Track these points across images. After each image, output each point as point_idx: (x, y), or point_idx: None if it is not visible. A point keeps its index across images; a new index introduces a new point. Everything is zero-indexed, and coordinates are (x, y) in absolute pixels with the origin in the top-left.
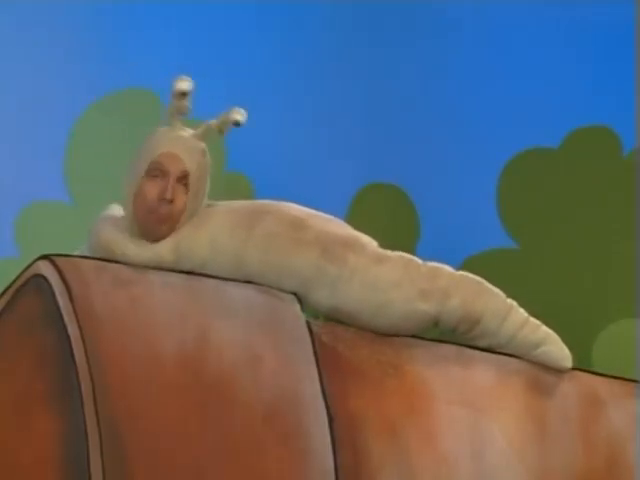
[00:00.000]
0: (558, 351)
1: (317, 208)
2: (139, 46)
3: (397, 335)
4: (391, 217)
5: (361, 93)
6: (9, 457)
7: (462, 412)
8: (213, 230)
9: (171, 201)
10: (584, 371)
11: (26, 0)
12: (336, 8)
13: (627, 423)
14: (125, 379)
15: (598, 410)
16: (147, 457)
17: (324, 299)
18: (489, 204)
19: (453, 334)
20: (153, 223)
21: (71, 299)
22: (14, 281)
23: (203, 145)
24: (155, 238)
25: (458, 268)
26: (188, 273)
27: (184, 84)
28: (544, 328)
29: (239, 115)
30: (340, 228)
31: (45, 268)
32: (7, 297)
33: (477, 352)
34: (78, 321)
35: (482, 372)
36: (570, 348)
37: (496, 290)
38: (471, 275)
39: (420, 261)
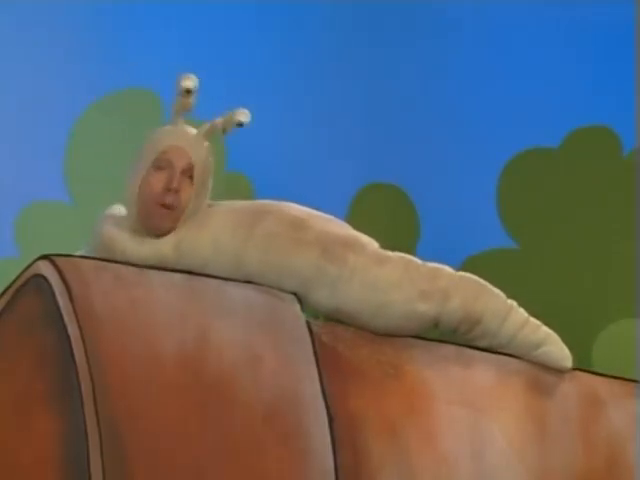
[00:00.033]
0: (558, 351)
1: (317, 208)
2: (139, 46)
3: (397, 335)
4: (391, 217)
5: (361, 93)
6: (9, 457)
7: (462, 412)
8: (215, 230)
9: (177, 191)
10: (584, 371)
11: (26, 0)
12: (336, 8)
13: (627, 423)
14: (125, 379)
15: (598, 410)
16: (147, 457)
17: (324, 299)
18: (489, 204)
19: (453, 335)
20: (158, 214)
21: (71, 299)
22: (14, 281)
23: (207, 143)
24: (158, 231)
25: (458, 268)
26: (188, 273)
27: (189, 82)
28: (544, 328)
29: (243, 116)
30: (340, 228)
31: (45, 268)
32: (7, 297)
33: (477, 352)
34: (78, 321)
35: (482, 372)
36: (570, 348)
37: (496, 290)
38: (471, 275)
39: (420, 262)
